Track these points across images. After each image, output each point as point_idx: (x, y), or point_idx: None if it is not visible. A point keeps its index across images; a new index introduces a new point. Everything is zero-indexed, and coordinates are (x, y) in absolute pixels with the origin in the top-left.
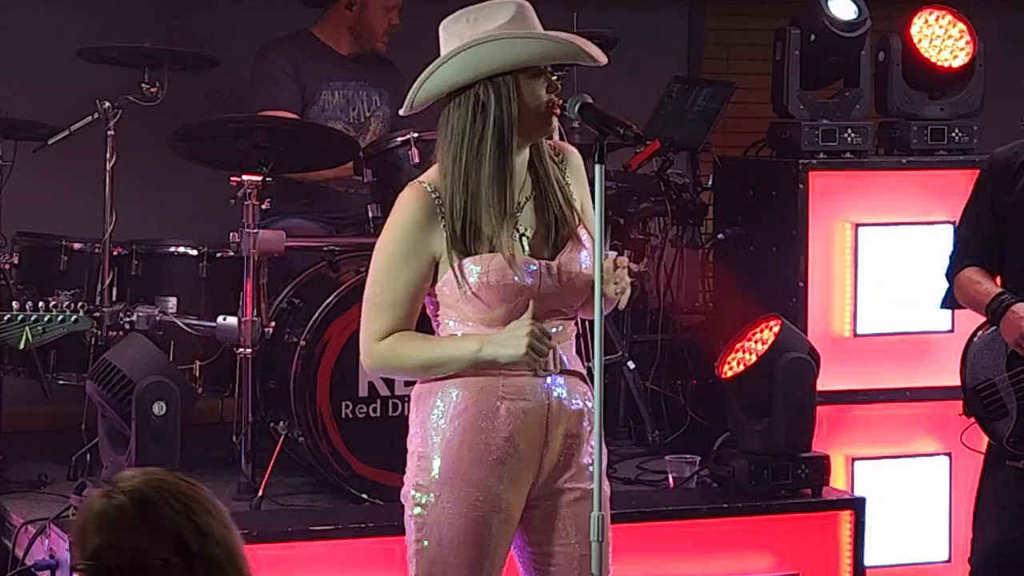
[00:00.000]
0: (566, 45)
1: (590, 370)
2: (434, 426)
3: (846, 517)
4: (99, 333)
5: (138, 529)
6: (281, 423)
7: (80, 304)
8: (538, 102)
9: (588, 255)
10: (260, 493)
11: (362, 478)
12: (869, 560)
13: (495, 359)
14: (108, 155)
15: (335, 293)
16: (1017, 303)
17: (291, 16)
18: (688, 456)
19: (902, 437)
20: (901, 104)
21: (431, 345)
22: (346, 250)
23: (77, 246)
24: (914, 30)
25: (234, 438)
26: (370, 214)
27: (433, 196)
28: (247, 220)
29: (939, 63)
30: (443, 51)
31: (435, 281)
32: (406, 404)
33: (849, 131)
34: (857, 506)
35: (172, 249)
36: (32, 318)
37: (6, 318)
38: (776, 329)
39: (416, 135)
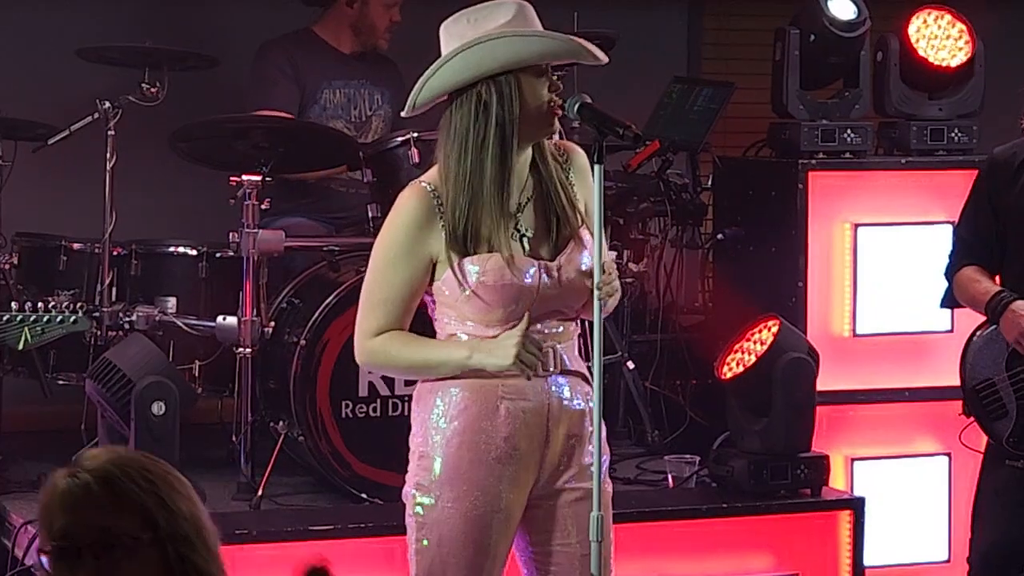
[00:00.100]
0: (568, 43)
1: (591, 370)
2: (434, 426)
3: (845, 517)
4: (99, 333)
5: (104, 507)
6: (281, 423)
7: (79, 304)
8: (540, 101)
9: (589, 256)
10: (260, 493)
11: (362, 478)
12: (868, 560)
13: (484, 367)
14: (108, 155)
15: (335, 293)
16: (1017, 301)
17: (291, 16)
18: (687, 456)
19: (901, 437)
20: (899, 104)
21: (422, 347)
22: (346, 250)
23: (77, 246)
24: (912, 30)
25: (234, 438)
26: (370, 214)
27: (433, 196)
28: (247, 220)
29: (937, 63)
30: (444, 52)
31: (432, 281)
32: (406, 404)
33: (849, 131)
34: (856, 506)
35: (172, 249)
36: (31, 319)
37: (5, 319)
38: (775, 329)
39: (416, 135)
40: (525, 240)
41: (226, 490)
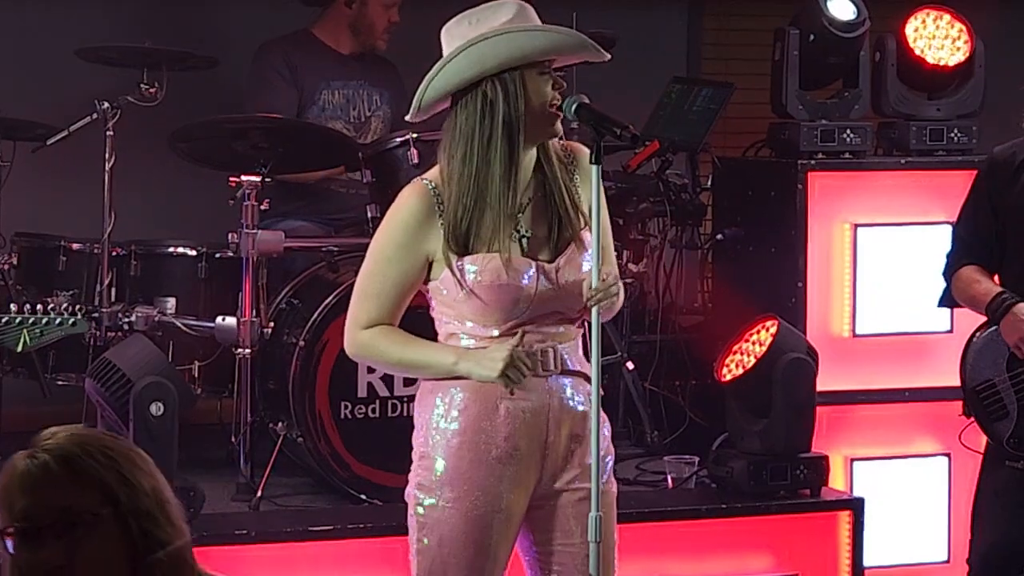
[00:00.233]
0: (572, 37)
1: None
2: (435, 426)
3: (845, 517)
4: (98, 334)
5: (64, 486)
6: (280, 423)
7: (78, 306)
8: (544, 99)
9: (590, 258)
10: (259, 493)
11: (361, 479)
12: (868, 560)
13: (470, 375)
14: (107, 155)
15: (334, 294)
16: (1019, 304)
17: (291, 16)
18: (687, 457)
19: (901, 437)
20: (896, 104)
21: (410, 347)
22: (345, 251)
23: (76, 246)
24: (909, 30)
25: (233, 438)
26: (369, 214)
27: (434, 194)
28: (246, 220)
29: (934, 62)
30: (446, 54)
31: (428, 280)
32: (405, 405)
33: (848, 131)
34: (856, 506)
35: (171, 249)
36: (30, 321)
37: (4, 321)
38: (773, 330)
39: (416, 135)
40: (524, 241)
41: (225, 491)
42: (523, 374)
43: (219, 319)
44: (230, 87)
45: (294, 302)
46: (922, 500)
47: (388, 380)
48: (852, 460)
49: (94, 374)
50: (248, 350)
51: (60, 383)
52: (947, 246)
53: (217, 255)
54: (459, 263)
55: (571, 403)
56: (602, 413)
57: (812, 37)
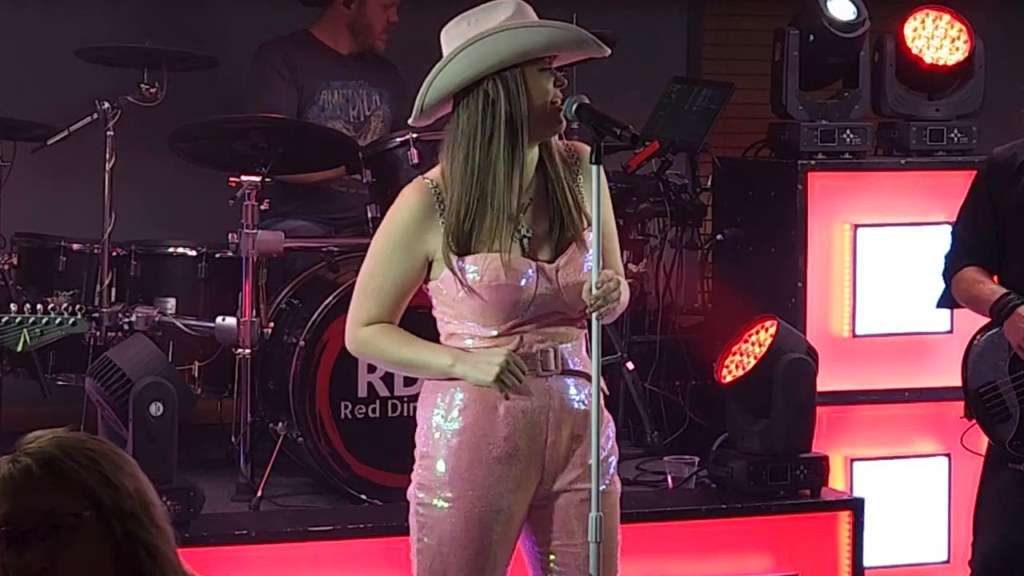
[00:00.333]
0: (571, 32)
1: None
2: (435, 425)
3: (845, 518)
4: (98, 334)
5: (46, 489)
6: (280, 424)
7: (78, 306)
8: (545, 97)
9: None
10: (259, 494)
11: (361, 479)
12: (868, 561)
13: (465, 377)
14: (107, 156)
15: (334, 294)
16: (1023, 305)
17: (291, 16)
18: (687, 457)
19: (901, 438)
20: (895, 105)
21: (408, 346)
22: (345, 251)
23: (76, 247)
24: (908, 30)
25: (233, 439)
26: (369, 215)
27: (435, 193)
28: (246, 221)
29: (932, 62)
30: (446, 55)
31: (428, 279)
32: (405, 405)
33: (848, 132)
34: (856, 507)
35: (171, 250)
36: (30, 320)
37: (4, 321)
38: (772, 330)
39: (416, 135)
40: (525, 241)
41: (225, 491)
42: (518, 379)
43: (219, 319)
44: (230, 87)
45: (294, 302)
46: (922, 500)
47: (388, 380)
48: (852, 460)
49: (94, 373)
50: (248, 350)
51: (60, 383)
52: (946, 247)
53: (217, 255)
54: (459, 263)
55: (573, 403)
56: (607, 413)
57: (812, 37)
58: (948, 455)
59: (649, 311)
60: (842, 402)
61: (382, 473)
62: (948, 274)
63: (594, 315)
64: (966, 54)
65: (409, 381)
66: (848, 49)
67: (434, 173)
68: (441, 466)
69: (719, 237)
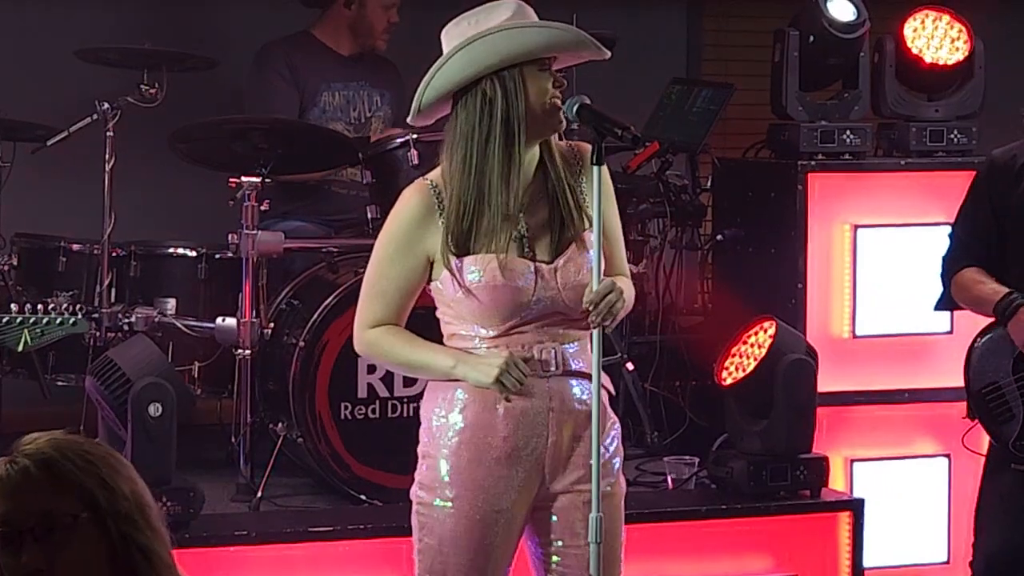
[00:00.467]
0: (569, 33)
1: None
2: (436, 425)
3: (845, 518)
4: (98, 334)
5: (44, 490)
6: (280, 424)
7: (78, 306)
8: (544, 97)
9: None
10: (259, 494)
11: (361, 479)
12: (868, 561)
13: (466, 379)
14: (107, 156)
15: (334, 294)
16: None
17: (291, 17)
18: (687, 457)
19: (901, 438)
20: (894, 106)
21: (413, 347)
22: (345, 251)
23: (76, 247)
24: (908, 31)
25: (233, 439)
26: (369, 215)
27: (434, 193)
28: (246, 221)
29: (934, 63)
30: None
31: (431, 279)
32: (405, 405)
33: (848, 132)
34: (856, 507)
35: (171, 250)
36: (31, 320)
37: (4, 321)
38: (772, 331)
39: (416, 136)
40: (524, 241)
41: (225, 491)
42: (519, 381)
43: (219, 320)
44: (230, 88)
45: (294, 303)
46: (922, 501)
47: (388, 381)
48: (852, 461)
49: (95, 372)
50: (248, 351)
51: (60, 383)
52: (943, 249)
53: (217, 256)
54: (457, 263)
55: (575, 404)
56: (612, 414)
57: (812, 38)
58: (948, 456)
59: (649, 312)
60: (842, 403)
61: (382, 474)
62: (947, 275)
63: (592, 308)
64: (966, 55)
65: (409, 382)
66: (848, 50)
67: (435, 174)
68: (441, 466)
69: (719, 238)
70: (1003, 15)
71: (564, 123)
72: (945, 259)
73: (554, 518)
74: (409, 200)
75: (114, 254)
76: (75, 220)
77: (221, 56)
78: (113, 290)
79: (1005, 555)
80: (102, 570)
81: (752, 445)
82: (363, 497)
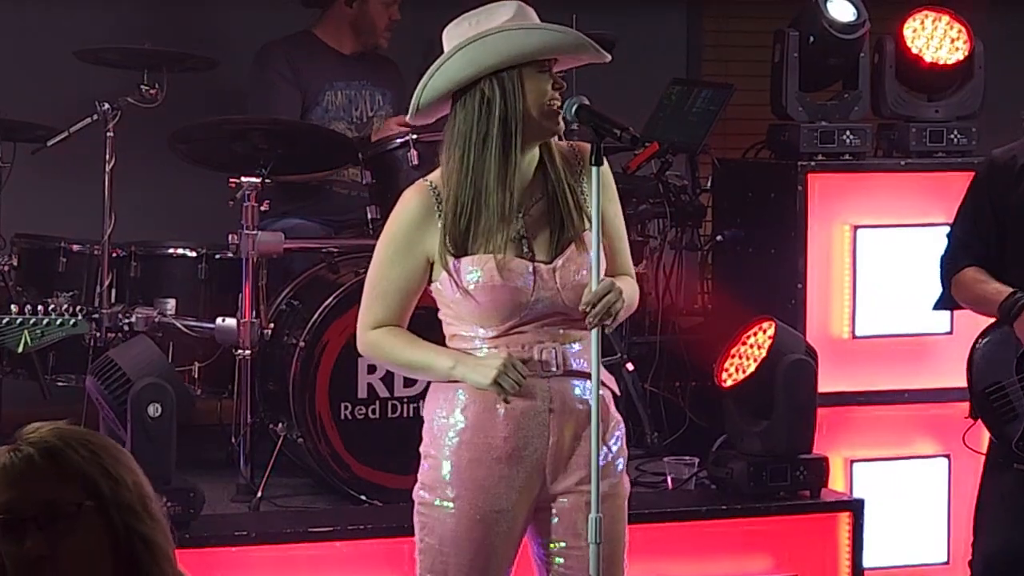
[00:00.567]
0: (569, 36)
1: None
2: (437, 426)
3: (845, 519)
4: (98, 335)
5: (48, 479)
6: (280, 424)
7: (79, 307)
8: (543, 99)
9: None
10: (259, 494)
11: (361, 479)
12: (868, 562)
13: (465, 380)
14: (107, 157)
15: (334, 295)
16: None
17: (291, 16)
18: (687, 458)
19: (901, 439)
20: (894, 106)
21: (413, 348)
22: (345, 252)
23: (76, 248)
24: (907, 31)
25: (233, 439)
26: (369, 216)
27: (434, 194)
28: (246, 222)
29: (933, 63)
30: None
31: (431, 280)
32: (405, 406)
33: (848, 133)
34: (856, 508)
35: (171, 251)
36: (31, 321)
37: (5, 322)
38: (771, 332)
39: (415, 136)
40: (524, 242)
41: (225, 491)
42: (518, 383)
43: (219, 320)
44: (230, 88)
45: (294, 303)
46: (922, 501)
47: (388, 381)
48: (852, 461)
49: (95, 372)
50: (248, 351)
51: (60, 384)
52: (942, 249)
53: (217, 256)
54: (455, 264)
55: (576, 404)
56: (616, 415)
57: (812, 39)
58: (948, 456)
59: (649, 312)
60: (842, 403)
61: (382, 474)
62: (946, 275)
63: (591, 311)
64: (966, 55)
65: (409, 382)
66: (848, 50)
67: (435, 175)
68: (442, 466)
69: (719, 238)
70: (1003, 15)
71: (562, 127)
72: (944, 258)
73: (556, 519)
74: (409, 201)
75: (114, 254)
76: (75, 220)
77: (221, 56)
78: (113, 290)
79: (1005, 555)
80: (104, 559)
81: (752, 446)
82: (363, 497)
